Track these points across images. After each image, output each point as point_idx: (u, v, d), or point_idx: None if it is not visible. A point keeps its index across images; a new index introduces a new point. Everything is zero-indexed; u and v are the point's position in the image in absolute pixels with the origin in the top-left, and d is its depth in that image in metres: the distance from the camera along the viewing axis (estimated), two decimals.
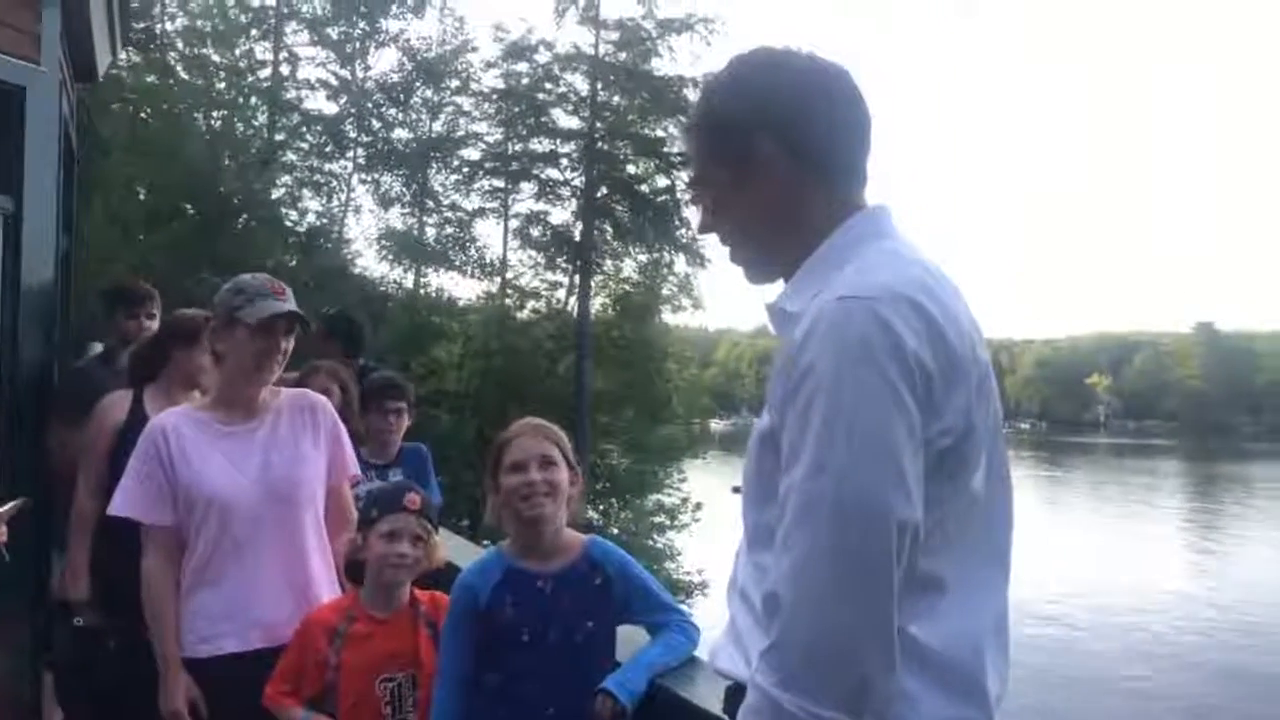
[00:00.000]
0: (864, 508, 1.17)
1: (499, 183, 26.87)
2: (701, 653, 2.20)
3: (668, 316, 27.74)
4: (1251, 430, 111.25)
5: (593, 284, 26.18)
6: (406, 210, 26.04)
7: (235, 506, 2.55)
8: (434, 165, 26.04)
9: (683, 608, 2.33)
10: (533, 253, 26.90)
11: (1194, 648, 21.27)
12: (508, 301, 26.60)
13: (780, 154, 1.40)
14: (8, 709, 3.51)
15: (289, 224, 23.32)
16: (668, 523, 24.68)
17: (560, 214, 26.83)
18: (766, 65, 1.45)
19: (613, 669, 2.18)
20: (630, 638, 2.28)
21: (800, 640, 1.17)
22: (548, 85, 26.19)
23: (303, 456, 2.66)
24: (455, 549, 3.21)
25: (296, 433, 2.68)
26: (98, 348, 4.90)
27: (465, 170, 26.44)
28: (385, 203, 25.68)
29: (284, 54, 24.28)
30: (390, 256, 25.21)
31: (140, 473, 2.58)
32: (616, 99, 26.16)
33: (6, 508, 2.60)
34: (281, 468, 2.62)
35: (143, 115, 20.05)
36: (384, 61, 33.99)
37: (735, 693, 1.42)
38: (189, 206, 20.00)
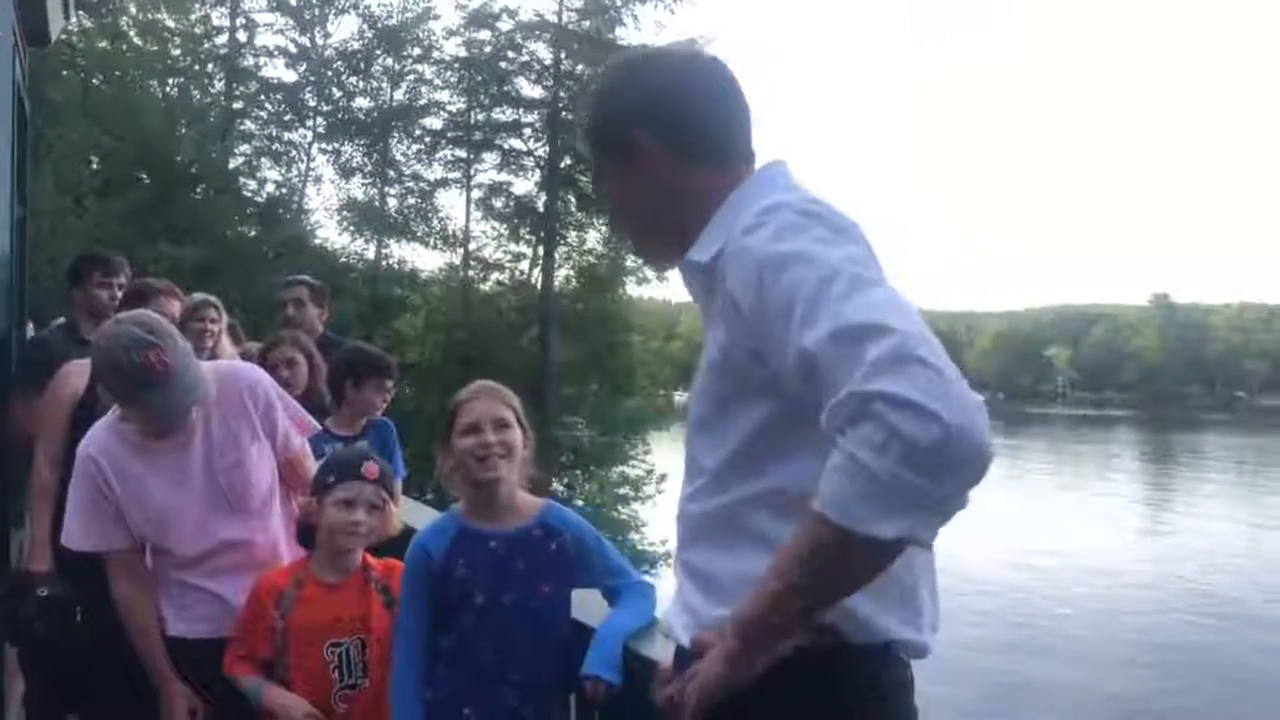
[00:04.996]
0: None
1: (461, 153, 26.62)
2: (660, 612, 2.23)
3: (631, 289, 27.66)
4: (1205, 401, 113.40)
5: (556, 255, 26.07)
6: (367, 180, 25.78)
7: (190, 526, 2.49)
8: (395, 135, 25.74)
9: (632, 570, 2.36)
10: (496, 224, 26.77)
11: (1147, 615, 21.74)
12: (471, 273, 26.44)
13: (658, 145, 1.50)
14: None
15: (247, 194, 22.97)
16: (632, 494, 24.79)
17: (524, 185, 26.71)
18: (638, 65, 1.58)
19: (569, 633, 2.22)
20: (585, 601, 2.30)
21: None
22: (511, 54, 25.91)
23: (245, 455, 2.53)
24: (421, 517, 3.21)
25: (233, 429, 2.51)
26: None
27: (427, 140, 26.19)
28: (346, 173, 25.41)
29: (241, 20, 23.86)
30: (351, 227, 24.95)
31: (83, 505, 2.48)
32: (580, 68, 25.93)
33: None
34: (227, 476, 2.50)
35: (95, 82, 19.58)
36: (344, 28, 33.60)
37: (679, 651, 1.49)
38: (143, 175, 19.60)
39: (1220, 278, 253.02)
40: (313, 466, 2.70)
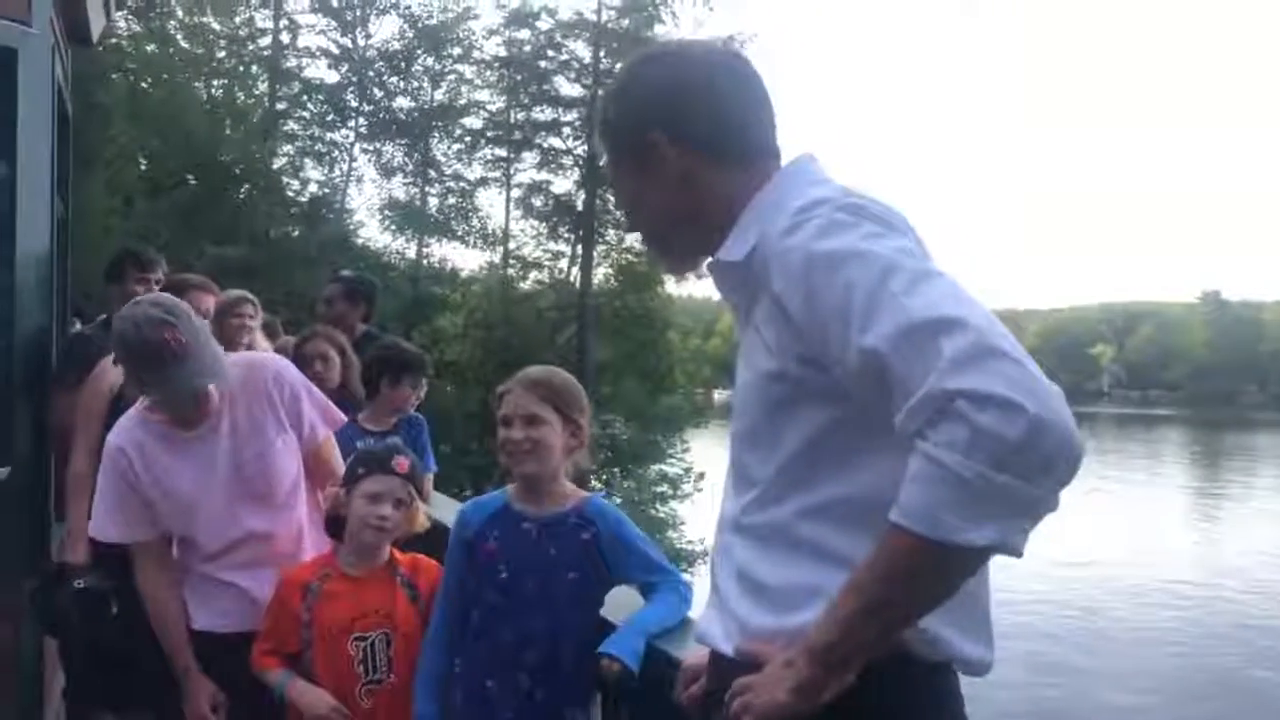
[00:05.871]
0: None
1: (501, 152, 26.76)
2: (696, 613, 2.19)
3: (670, 287, 27.57)
4: (1257, 400, 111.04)
5: (595, 254, 26.12)
6: (409, 180, 25.96)
7: (215, 513, 2.50)
8: (436, 134, 25.92)
9: (671, 567, 2.34)
10: (535, 223, 26.87)
11: (1194, 618, 21.27)
12: (510, 272, 26.57)
13: (672, 147, 1.44)
14: (10, 674, 3.52)
15: (290, 194, 23.29)
16: (670, 492, 24.77)
17: (563, 183, 26.77)
18: (651, 64, 1.52)
19: (592, 626, 2.21)
20: (621, 599, 2.28)
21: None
22: (550, 52, 26.00)
23: (270, 445, 2.54)
24: (451, 514, 3.21)
25: (258, 419, 2.53)
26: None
27: (467, 139, 26.34)
28: (387, 172, 25.61)
29: (284, 21, 24.16)
30: (393, 227, 25.16)
31: (111, 497, 2.51)
32: (619, 66, 25.92)
33: None
34: (252, 465, 2.51)
35: (143, 84, 19.95)
36: (385, 29, 33.72)
37: (718, 659, 1.44)
38: (190, 176, 19.94)
39: (1274, 273, 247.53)
40: (339, 459, 2.71)
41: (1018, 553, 1.10)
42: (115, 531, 2.54)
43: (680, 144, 1.44)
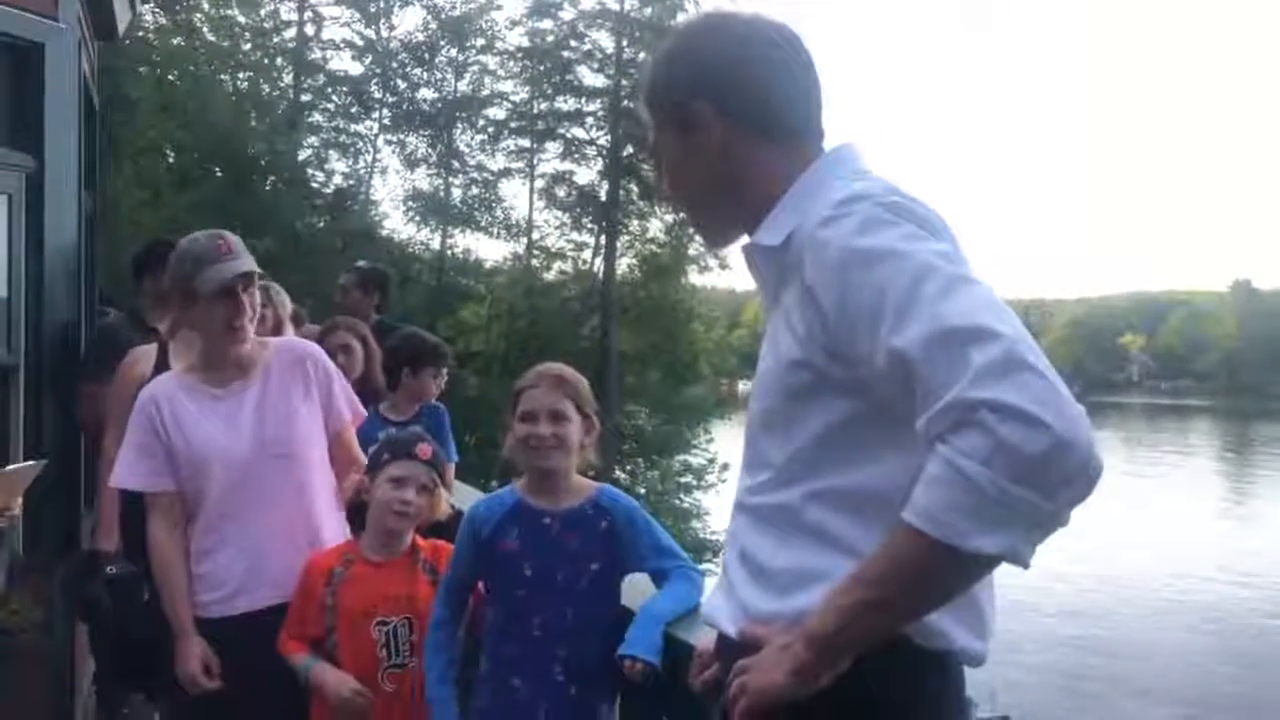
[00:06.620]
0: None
1: (525, 142, 26.83)
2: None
3: (694, 277, 27.60)
4: None
5: (619, 244, 26.14)
6: (432, 171, 26.07)
7: (233, 469, 2.56)
8: (459, 125, 26.00)
9: (682, 552, 2.36)
10: (559, 213, 26.94)
11: (1224, 612, 21.03)
12: (534, 263, 26.64)
13: (719, 119, 1.43)
14: (41, 660, 3.58)
15: (315, 185, 23.41)
16: (694, 482, 24.81)
17: (586, 174, 26.82)
18: (705, 32, 1.48)
19: (616, 614, 2.23)
20: (638, 585, 2.30)
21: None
22: (573, 43, 26.02)
23: (295, 411, 2.63)
24: (471, 502, 3.23)
25: (288, 388, 2.65)
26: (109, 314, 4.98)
27: (491, 130, 26.41)
28: (411, 163, 25.73)
29: (308, 14, 24.27)
30: (417, 218, 25.27)
31: (137, 443, 2.58)
32: (642, 56, 25.90)
33: (17, 468, 2.62)
34: (275, 425, 2.60)
35: (169, 77, 20.11)
36: (408, 20, 34.01)
37: (724, 641, 1.45)
38: (216, 168, 20.11)
39: None
40: (359, 449, 2.77)
41: (1025, 564, 1.11)
42: (134, 477, 2.60)
43: (726, 117, 1.42)
